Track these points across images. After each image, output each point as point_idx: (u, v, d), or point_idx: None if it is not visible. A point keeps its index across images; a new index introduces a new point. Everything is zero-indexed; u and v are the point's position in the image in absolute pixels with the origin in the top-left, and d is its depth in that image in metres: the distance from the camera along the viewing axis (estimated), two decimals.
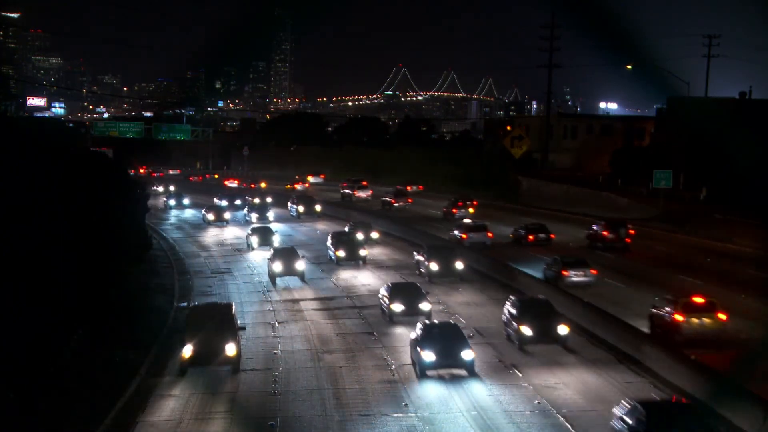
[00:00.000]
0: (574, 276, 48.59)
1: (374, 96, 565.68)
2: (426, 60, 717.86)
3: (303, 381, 33.25)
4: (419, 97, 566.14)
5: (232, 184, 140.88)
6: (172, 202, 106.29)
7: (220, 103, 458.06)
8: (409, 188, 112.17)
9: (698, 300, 37.51)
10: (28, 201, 35.08)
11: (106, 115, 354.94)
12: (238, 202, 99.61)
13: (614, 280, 51.27)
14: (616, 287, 49.44)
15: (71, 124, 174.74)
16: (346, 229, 67.86)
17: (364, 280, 53.70)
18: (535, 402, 29.87)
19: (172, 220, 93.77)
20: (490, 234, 64.97)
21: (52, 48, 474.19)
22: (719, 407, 27.09)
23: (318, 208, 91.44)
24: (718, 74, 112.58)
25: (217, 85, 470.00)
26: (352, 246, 59.21)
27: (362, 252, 58.97)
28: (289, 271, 52.61)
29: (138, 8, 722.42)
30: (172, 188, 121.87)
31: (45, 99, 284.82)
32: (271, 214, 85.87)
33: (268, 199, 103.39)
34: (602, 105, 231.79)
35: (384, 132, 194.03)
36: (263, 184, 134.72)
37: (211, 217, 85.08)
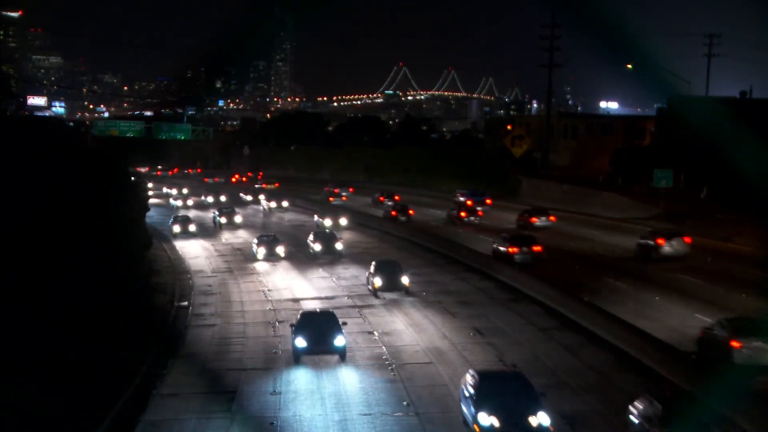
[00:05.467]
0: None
1: (375, 95, 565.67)
2: (426, 59, 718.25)
3: (303, 380, 33.25)
4: (420, 97, 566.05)
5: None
6: None
7: (221, 103, 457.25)
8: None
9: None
10: (27, 200, 35.06)
11: (106, 115, 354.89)
12: None
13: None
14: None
15: (72, 124, 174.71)
16: None
17: None
18: None
19: None
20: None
21: (52, 47, 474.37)
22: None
23: None
24: (719, 73, 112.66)
25: (218, 85, 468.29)
26: None
27: None
28: None
29: (138, 8, 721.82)
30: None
31: (45, 98, 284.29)
32: None
33: None
34: (603, 104, 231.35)
35: (385, 131, 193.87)
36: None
37: None
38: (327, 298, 49.94)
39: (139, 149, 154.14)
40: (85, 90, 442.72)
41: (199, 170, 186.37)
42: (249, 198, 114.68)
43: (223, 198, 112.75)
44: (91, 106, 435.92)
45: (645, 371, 32.76)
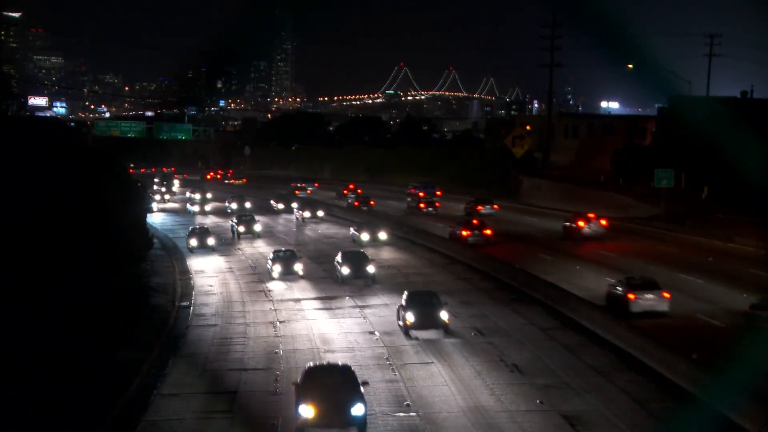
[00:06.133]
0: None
1: (375, 95, 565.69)
2: (427, 59, 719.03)
3: None
4: (421, 97, 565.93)
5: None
6: None
7: (222, 103, 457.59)
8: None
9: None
10: (27, 200, 35.03)
11: (107, 115, 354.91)
12: None
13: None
14: None
15: (72, 124, 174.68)
16: None
17: None
18: None
19: None
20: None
21: (53, 47, 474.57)
22: None
23: None
24: (720, 73, 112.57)
25: (218, 85, 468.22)
26: None
27: None
28: None
29: (138, 8, 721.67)
30: None
31: (46, 98, 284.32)
32: None
33: None
34: (603, 104, 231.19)
35: (385, 131, 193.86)
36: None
37: None
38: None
39: (139, 149, 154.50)
40: (86, 90, 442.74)
41: (173, 168, 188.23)
42: (280, 206, 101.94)
43: (248, 204, 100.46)
44: (92, 107, 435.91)
45: (646, 371, 32.75)
